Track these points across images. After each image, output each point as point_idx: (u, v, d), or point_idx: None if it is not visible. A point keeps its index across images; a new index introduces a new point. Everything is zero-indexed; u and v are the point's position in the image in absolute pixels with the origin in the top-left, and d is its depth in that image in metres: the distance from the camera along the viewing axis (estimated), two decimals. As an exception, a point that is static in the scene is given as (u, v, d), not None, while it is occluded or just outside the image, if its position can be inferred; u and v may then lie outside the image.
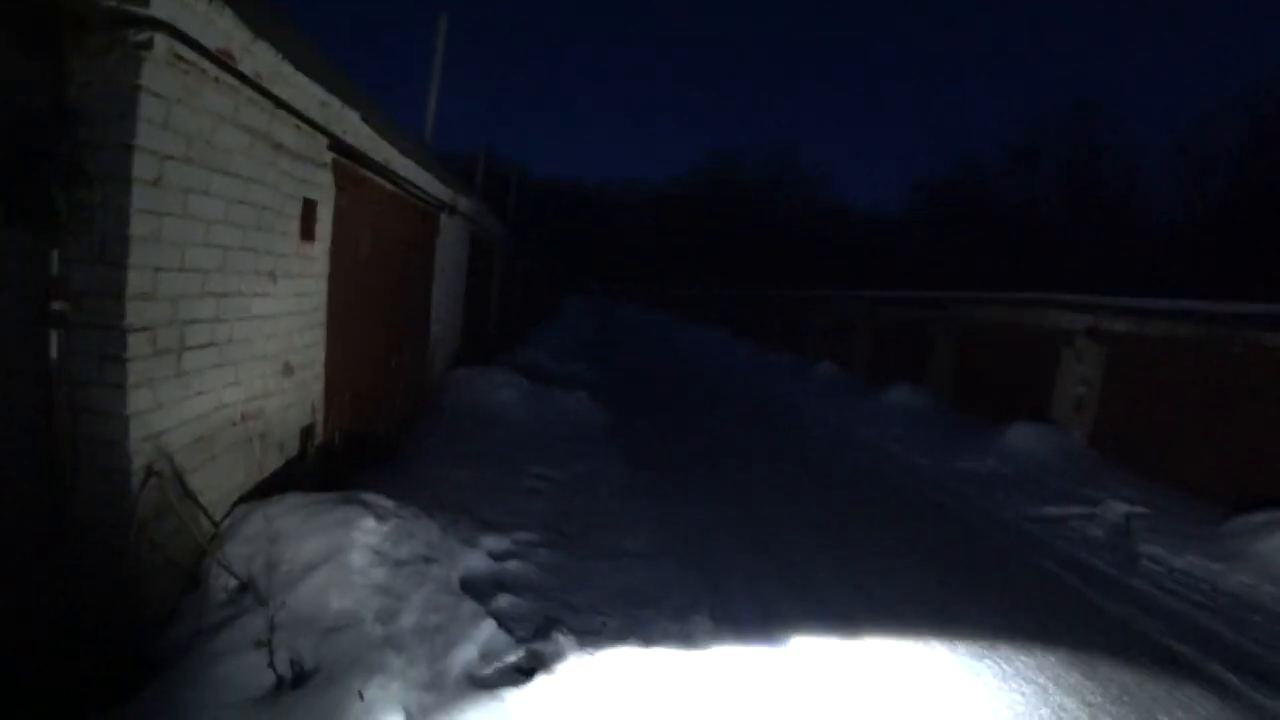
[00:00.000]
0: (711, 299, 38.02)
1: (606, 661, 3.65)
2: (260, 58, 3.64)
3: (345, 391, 5.68)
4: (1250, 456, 7.58)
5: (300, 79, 4.08)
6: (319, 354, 5.14)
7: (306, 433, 4.98)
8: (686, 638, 3.96)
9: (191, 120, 3.22)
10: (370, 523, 3.94)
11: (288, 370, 4.64)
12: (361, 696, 2.90)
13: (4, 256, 2.92)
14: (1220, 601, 5.21)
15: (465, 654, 3.38)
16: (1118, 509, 7.13)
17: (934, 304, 15.44)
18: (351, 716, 2.82)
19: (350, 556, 3.63)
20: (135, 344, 3.02)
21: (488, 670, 3.35)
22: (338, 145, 4.94)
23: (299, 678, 2.95)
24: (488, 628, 3.62)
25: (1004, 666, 4.01)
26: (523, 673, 3.41)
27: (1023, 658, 4.09)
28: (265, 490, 4.21)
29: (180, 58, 3.08)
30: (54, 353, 2.91)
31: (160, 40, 2.93)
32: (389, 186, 6.40)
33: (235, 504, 3.97)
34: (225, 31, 3.30)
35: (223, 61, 3.35)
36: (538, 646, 3.63)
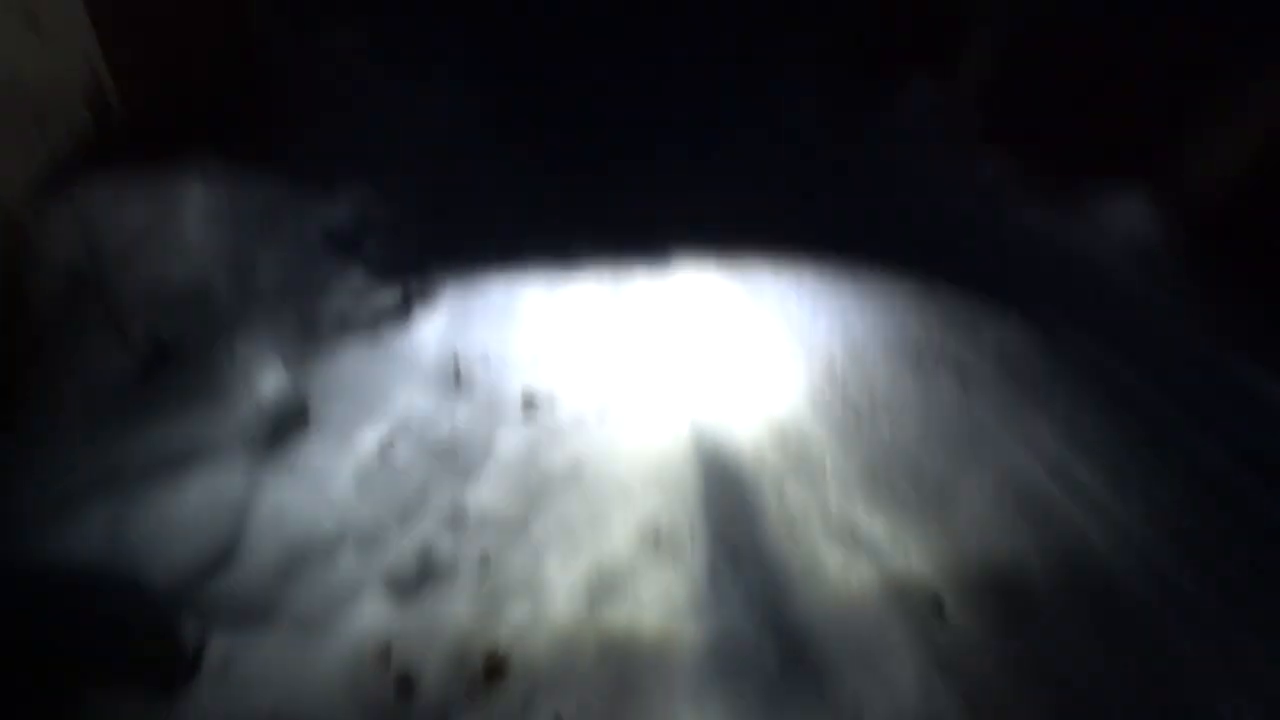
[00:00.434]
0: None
1: (485, 288, 3.74)
2: None
3: (133, 45, 4.67)
4: (1122, 134, 7.36)
5: None
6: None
7: (95, 97, 4.20)
8: (565, 260, 4.05)
9: None
10: (198, 186, 3.57)
11: (33, 24, 3.70)
12: (233, 357, 2.93)
13: None
14: (1055, 252, 5.46)
15: (336, 302, 3.38)
16: (992, 168, 7.11)
17: None
18: (228, 378, 2.88)
19: (183, 224, 3.35)
20: None
21: (362, 314, 3.39)
22: None
23: (163, 354, 2.92)
24: (356, 274, 3.57)
25: (862, 290, 4.26)
26: (400, 311, 3.47)
27: (881, 288, 4.33)
28: (65, 174, 3.68)
29: None
30: None
31: None
32: None
33: (32, 197, 3.49)
34: None
35: None
36: (415, 286, 3.65)
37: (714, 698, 2.13)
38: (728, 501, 2.78)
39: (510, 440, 2.93)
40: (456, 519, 2.59)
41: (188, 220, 3.38)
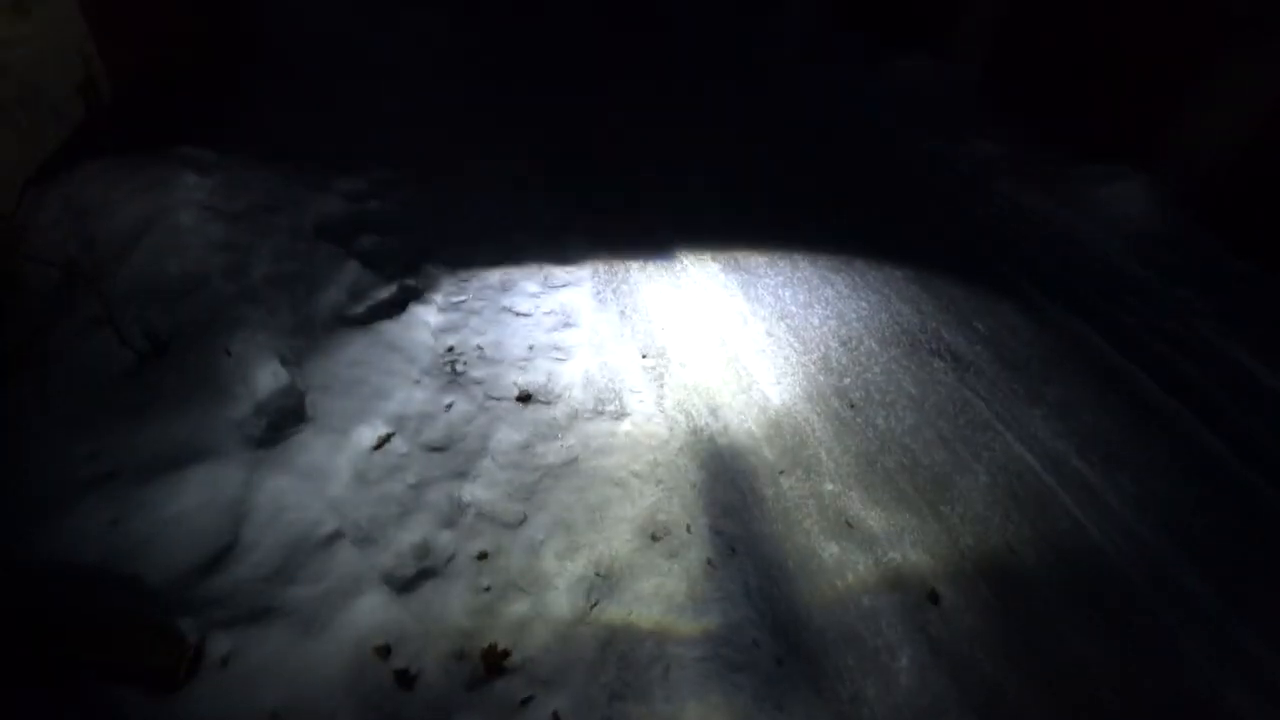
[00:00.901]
0: None
1: (483, 282, 3.73)
2: None
3: (122, 31, 4.61)
4: (1128, 119, 7.31)
5: None
6: (59, -22, 4.01)
7: (86, 87, 4.16)
8: (561, 256, 4.03)
9: None
10: (191, 178, 3.55)
11: (20, 8, 3.65)
12: (228, 352, 2.91)
13: None
14: (1048, 235, 5.46)
15: (331, 296, 3.37)
16: (989, 147, 7.05)
17: None
18: (223, 372, 2.87)
19: (177, 216, 3.32)
20: None
21: (358, 308, 3.39)
22: None
23: (159, 348, 2.90)
24: (352, 269, 3.56)
25: (856, 279, 4.24)
26: (396, 305, 3.46)
27: (873, 273, 4.31)
28: (56, 165, 3.64)
29: None
30: None
31: None
32: None
33: (23, 188, 3.46)
34: None
35: None
36: (409, 280, 3.64)
37: (713, 693, 2.16)
38: (724, 495, 2.80)
39: (507, 436, 2.94)
40: (454, 515, 2.60)
41: (183, 212, 3.35)
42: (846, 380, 3.42)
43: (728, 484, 2.84)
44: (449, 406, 3.01)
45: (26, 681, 1.97)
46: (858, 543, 2.66)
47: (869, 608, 2.46)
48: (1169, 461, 3.18)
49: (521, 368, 3.26)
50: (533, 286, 3.78)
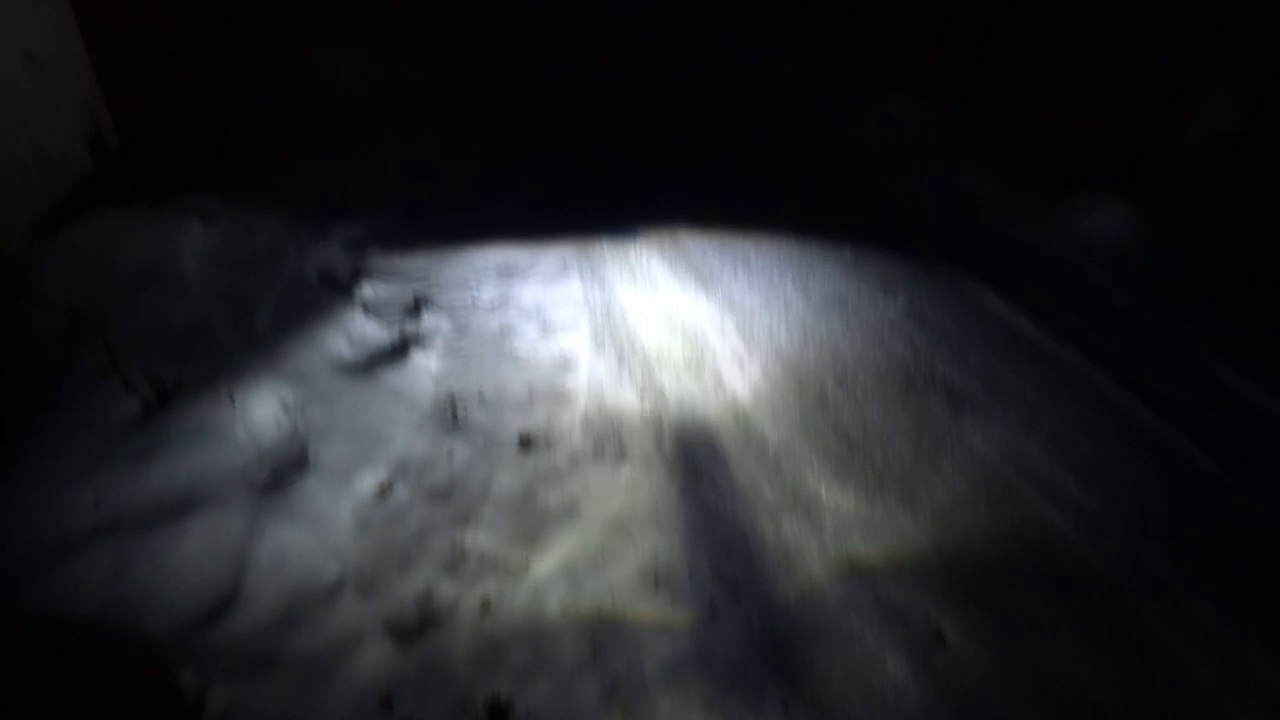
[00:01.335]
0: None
1: (483, 326, 3.78)
2: None
3: (128, 82, 4.74)
4: (1107, 143, 7.62)
5: None
6: (71, 37, 4.13)
7: (93, 139, 4.25)
8: (558, 300, 4.11)
9: None
10: (196, 227, 3.62)
11: (32, 61, 3.75)
12: (232, 399, 2.94)
13: None
14: (1036, 264, 5.64)
15: (334, 343, 3.41)
16: (977, 178, 7.31)
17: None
18: (228, 420, 2.89)
19: (182, 265, 3.38)
20: None
21: (360, 355, 3.42)
22: None
23: (163, 395, 2.93)
24: (354, 316, 3.61)
25: (850, 318, 4.38)
26: (397, 351, 3.50)
27: (867, 310, 4.45)
28: (64, 215, 3.71)
29: None
30: None
31: None
32: None
33: (30, 234, 3.51)
34: None
35: None
36: (409, 326, 3.69)
37: (717, 741, 2.15)
38: (725, 537, 2.82)
39: (508, 482, 2.96)
40: (456, 563, 2.60)
41: (188, 261, 3.41)
42: (844, 418, 3.48)
43: (728, 526, 2.86)
44: (451, 453, 3.03)
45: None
46: (861, 583, 2.68)
47: (874, 648, 2.47)
48: (1162, 481, 3.26)
49: (522, 412, 3.30)
50: (532, 331, 3.84)
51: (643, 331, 3.95)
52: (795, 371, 3.77)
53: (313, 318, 3.50)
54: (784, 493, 3.04)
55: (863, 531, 2.90)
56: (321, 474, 2.82)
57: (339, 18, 10.41)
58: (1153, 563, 2.89)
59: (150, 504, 2.55)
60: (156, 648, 2.18)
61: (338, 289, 3.79)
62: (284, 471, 2.80)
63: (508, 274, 4.32)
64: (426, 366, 3.46)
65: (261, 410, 2.97)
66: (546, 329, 3.86)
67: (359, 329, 3.57)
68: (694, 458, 3.17)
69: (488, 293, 4.10)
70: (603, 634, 2.41)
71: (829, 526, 2.90)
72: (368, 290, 3.90)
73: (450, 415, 3.23)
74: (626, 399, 3.46)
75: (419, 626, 2.38)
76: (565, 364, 3.64)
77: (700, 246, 4.93)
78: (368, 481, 2.84)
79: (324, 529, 2.63)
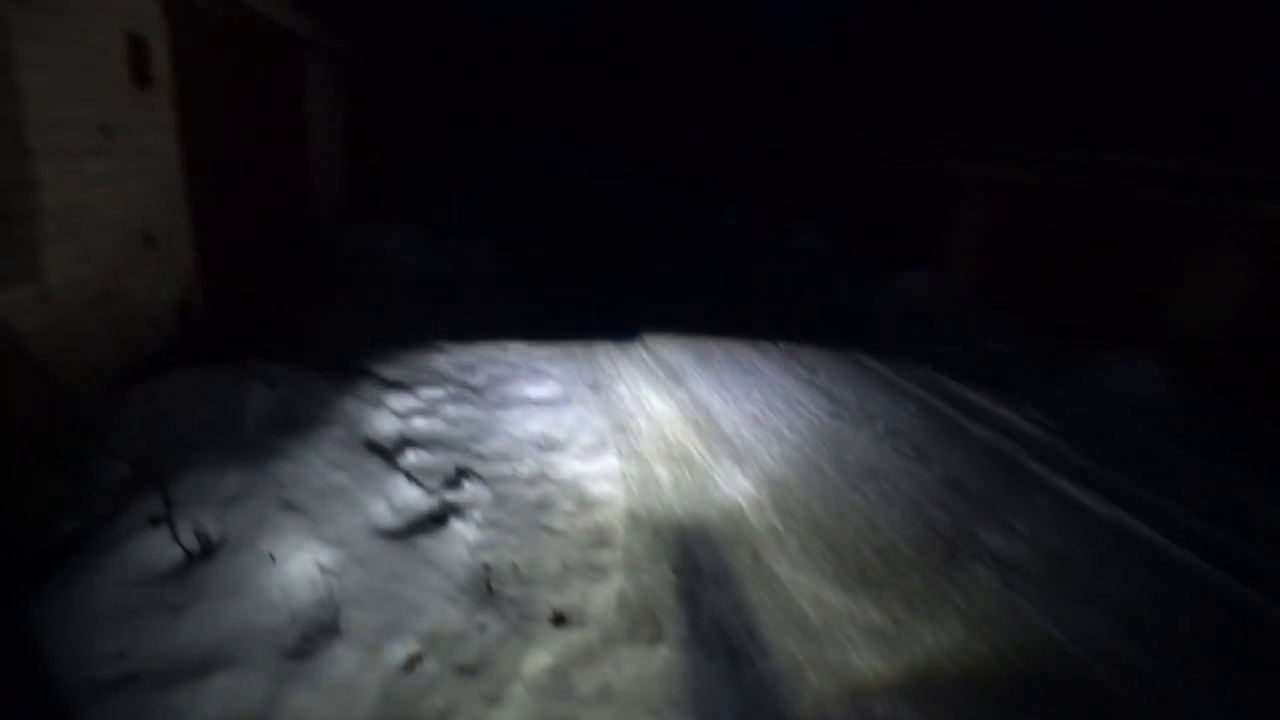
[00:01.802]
0: (624, 139, 37.23)
1: (521, 499, 3.83)
2: None
3: (221, 258, 5.28)
4: (1119, 304, 8.23)
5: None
6: (183, 220, 4.69)
7: (184, 305, 4.66)
8: (597, 474, 4.19)
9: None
10: (262, 389, 3.83)
11: (148, 241, 4.24)
12: (273, 559, 2.95)
13: None
14: (1068, 426, 5.84)
15: (376, 510, 3.46)
16: (997, 347, 7.76)
17: (837, 143, 15.44)
18: (265, 579, 2.89)
19: (243, 425, 3.55)
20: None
21: (399, 522, 3.45)
22: (159, -32, 4.22)
23: (206, 549, 2.95)
24: (397, 483, 3.69)
25: (887, 487, 4.46)
26: (436, 520, 3.53)
27: (904, 481, 4.54)
28: (146, 370, 3.98)
29: None
30: None
31: None
32: (237, 17, 5.60)
33: (113, 387, 3.76)
34: None
35: None
36: (450, 496, 3.75)
37: None
38: (765, 741, 2.63)
39: (539, 661, 2.84)
40: (482, 747, 2.45)
41: (248, 421, 3.58)
42: (887, 595, 3.38)
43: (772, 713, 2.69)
44: (483, 626, 2.96)
45: None
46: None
47: None
48: (1241, 649, 3.09)
49: (556, 587, 3.24)
50: (569, 505, 3.88)
51: (679, 508, 3.96)
52: (833, 544, 3.71)
53: (358, 482, 3.58)
54: (828, 676, 2.88)
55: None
56: (351, 641, 2.75)
57: (399, 208, 11.69)
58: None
59: (176, 659, 2.49)
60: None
61: (384, 455, 3.91)
62: (314, 636, 2.73)
63: (548, 447, 4.44)
64: (464, 536, 3.46)
65: (299, 571, 2.97)
66: (583, 504, 3.90)
67: (401, 495, 3.64)
68: (733, 640, 3.04)
69: (527, 466, 4.20)
70: (636, 842, 2.19)
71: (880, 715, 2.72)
72: (412, 457, 4.02)
73: (485, 587, 3.18)
74: (662, 574, 3.40)
75: (438, 819, 2.19)
76: (601, 540, 3.62)
77: (731, 416, 5.06)
78: (397, 652, 2.75)
79: (347, 699, 2.51)
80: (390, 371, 5.03)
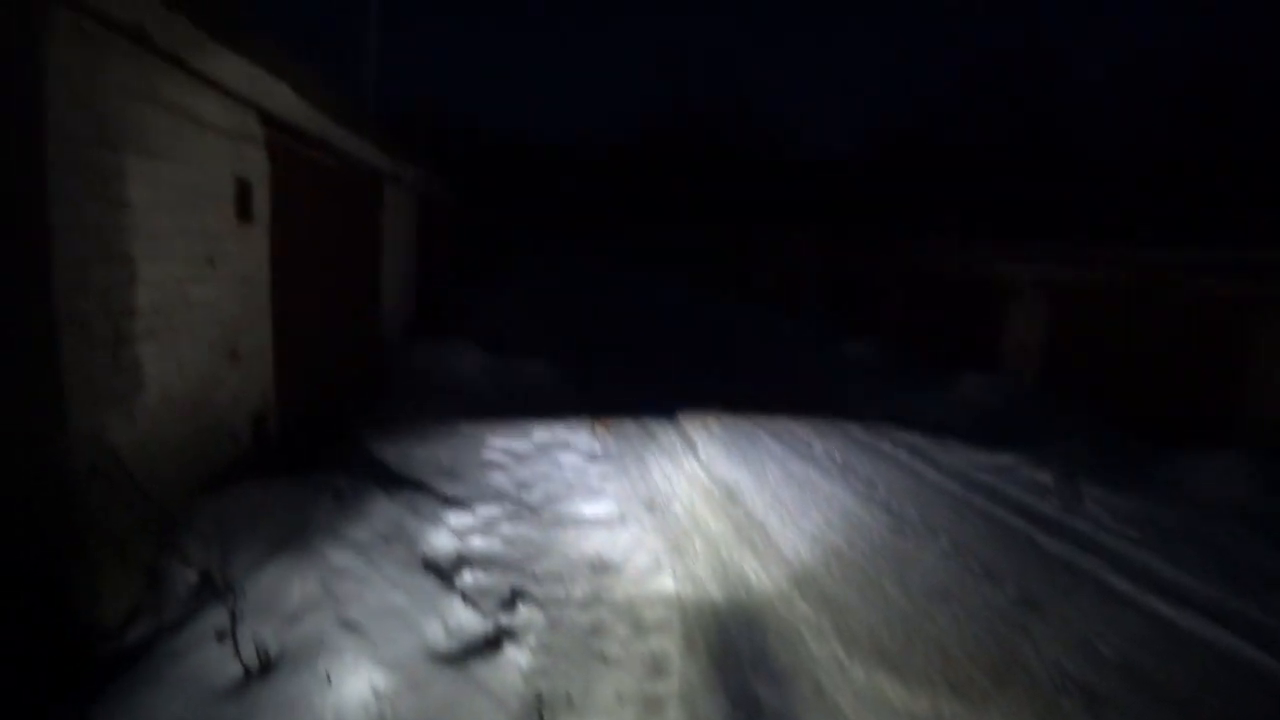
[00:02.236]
0: (671, 249, 38.76)
1: (575, 624, 3.75)
2: (176, 30, 3.45)
3: (297, 373, 5.57)
4: (1192, 397, 7.93)
5: (222, 50, 3.89)
6: (266, 338, 5.02)
7: (260, 419, 4.89)
8: (655, 579, 4.09)
9: (104, 100, 3.06)
10: (329, 505, 3.93)
11: (234, 357, 4.53)
12: (329, 679, 2.93)
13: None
14: (1156, 536, 5.53)
15: (431, 631, 3.43)
16: (1065, 452, 7.45)
17: (885, 251, 15.74)
18: (320, 699, 2.85)
19: (309, 541, 3.61)
20: (68, 339, 2.91)
21: (454, 645, 3.41)
22: (269, 120, 4.75)
23: (265, 666, 2.95)
24: (453, 604, 3.67)
25: (957, 610, 4.22)
26: (491, 644, 3.47)
27: (972, 599, 4.31)
28: (221, 480, 4.14)
29: (88, 34, 2.91)
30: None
31: (65, 16, 2.76)
32: (328, 159, 6.19)
33: (190, 496, 3.91)
34: (136, 3, 3.13)
35: (136, 36, 3.18)
36: (504, 619, 3.70)
37: None
38: None
39: (593, 804, 2.69)
40: None
41: (314, 537, 3.66)
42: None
43: None
44: (535, 763, 2.83)
45: None
46: None
47: None
48: None
49: (610, 718, 3.11)
50: (623, 630, 3.77)
51: (737, 634, 3.81)
52: (902, 675, 3.47)
53: (415, 602, 3.57)
54: None
55: None
56: (402, 774, 2.66)
57: (461, 323, 12.22)
58: None
59: (226, 789, 2.44)
60: None
61: (441, 575, 3.91)
62: (365, 766, 2.66)
63: (602, 569, 4.38)
64: (518, 662, 3.38)
65: (353, 694, 2.93)
66: (638, 629, 3.78)
67: (456, 617, 3.60)
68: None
69: (581, 588, 4.13)
70: None
71: None
72: (468, 577, 4.01)
73: (538, 718, 3.07)
74: (720, 708, 3.23)
75: None
76: (656, 668, 3.49)
77: (788, 534, 4.91)
78: (447, 788, 2.65)
79: (397, 842, 2.40)
80: (450, 488, 5.12)
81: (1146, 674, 3.62)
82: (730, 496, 5.92)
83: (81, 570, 3.02)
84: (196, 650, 2.97)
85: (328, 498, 4.01)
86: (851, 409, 9.58)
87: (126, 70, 3.20)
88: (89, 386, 3.05)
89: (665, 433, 7.75)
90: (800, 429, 8.35)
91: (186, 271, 3.83)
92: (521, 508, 5.13)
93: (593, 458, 6.47)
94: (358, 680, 2.98)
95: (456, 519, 4.61)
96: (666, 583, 4.29)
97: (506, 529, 4.72)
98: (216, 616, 3.09)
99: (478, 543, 4.44)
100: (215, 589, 3.30)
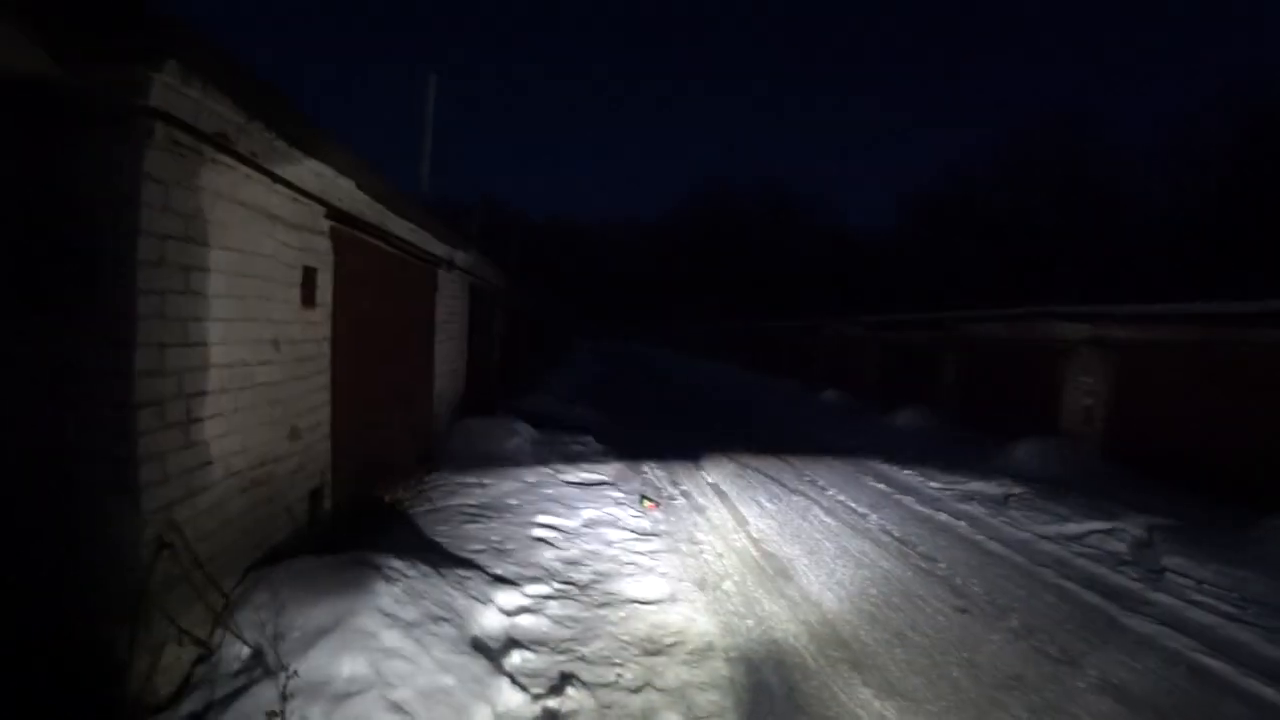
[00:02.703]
0: (716, 333, 38.85)
1: (624, 709, 3.62)
2: (254, 137, 3.78)
3: (352, 451, 5.72)
4: (1272, 456, 7.45)
5: (294, 153, 4.22)
6: (324, 416, 5.20)
7: (315, 495, 5.01)
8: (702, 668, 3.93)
9: (190, 200, 3.34)
10: (380, 585, 3.94)
11: (294, 434, 4.69)
12: (375, 764, 2.88)
13: (17, 338, 3.01)
14: (1247, 609, 5.12)
15: (480, 715, 3.36)
16: (1138, 520, 7.01)
17: (935, 324, 15.54)
18: (364, 786, 2.80)
19: (360, 620, 3.62)
20: (144, 419, 3.08)
21: (502, 730, 3.32)
22: (334, 213, 5.08)
23: (313, 748, 2.93)
24: (501, 686, 3.59)
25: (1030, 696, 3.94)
26: (538, 729, 3.37)
27: (1048, 692, 4.02)
28: (276, 555, 4.23)
29: (178, 143, 3.21)
30: (67, 431, 2.98)
31: (160, 128, 3.06)
32: (387, 247, 6.53)
33: (246, 571, 3.99)
34: (220, 115, 3.45)
35: (219, 143, 3.48)
36: (553, 703, 3.60)
37: None
38: None
39: None
40: None
41: (365, 617, 3.66)
42: None
43: None
44: None
45: None
46: None
47: None
48: None
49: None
50: (674, 718, 3.62)
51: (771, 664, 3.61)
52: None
53: (463, 684, 3.51)
54: None
55: None
56: None
57: (510, 401, 12.41)
58: None
59: None
60: None
61: (490, 656, 3.85)
62: None
63: (653, 651, 4.24)
64: (567, 748, 3.27)
65: (399, 780, 2.86)
66: (692, 715, 3.63)
67: (504, 700, 3.52)
68: None
69: (631, 671, 4.00)
70: None
71: None
72: (516, 658, 3.93)
73: (586, 812, 2.94)
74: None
75: None
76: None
77: (846, 615, 4.68)
78: None
79: None
80: (499, 566, 5.09)
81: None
82: (784, 574, 5.74)
83: (140, 642, 3.08)
84: (243, 726, 2.98)
85: (379, 579, 4.03)
86: (904, 482, 9.29)
87: (211, 174, 3.50)
88: (160, 464, 3.20)
89: (713, 506, 7.62)
90: (854, 502, 8.12)
91: (254, 354, 4.04)
92: (569, 586, 5.05)
93: (643, 535, 6.38)
94: (404, 766, 2.92)
95: (505, 597, 4.57)
96: (718, 666, 4.13)
97: (554, 608, 4.64)
98: (267, 693, 3.10)
99: (526, 622, 4.37)
100: (266, 666, 3.32)
